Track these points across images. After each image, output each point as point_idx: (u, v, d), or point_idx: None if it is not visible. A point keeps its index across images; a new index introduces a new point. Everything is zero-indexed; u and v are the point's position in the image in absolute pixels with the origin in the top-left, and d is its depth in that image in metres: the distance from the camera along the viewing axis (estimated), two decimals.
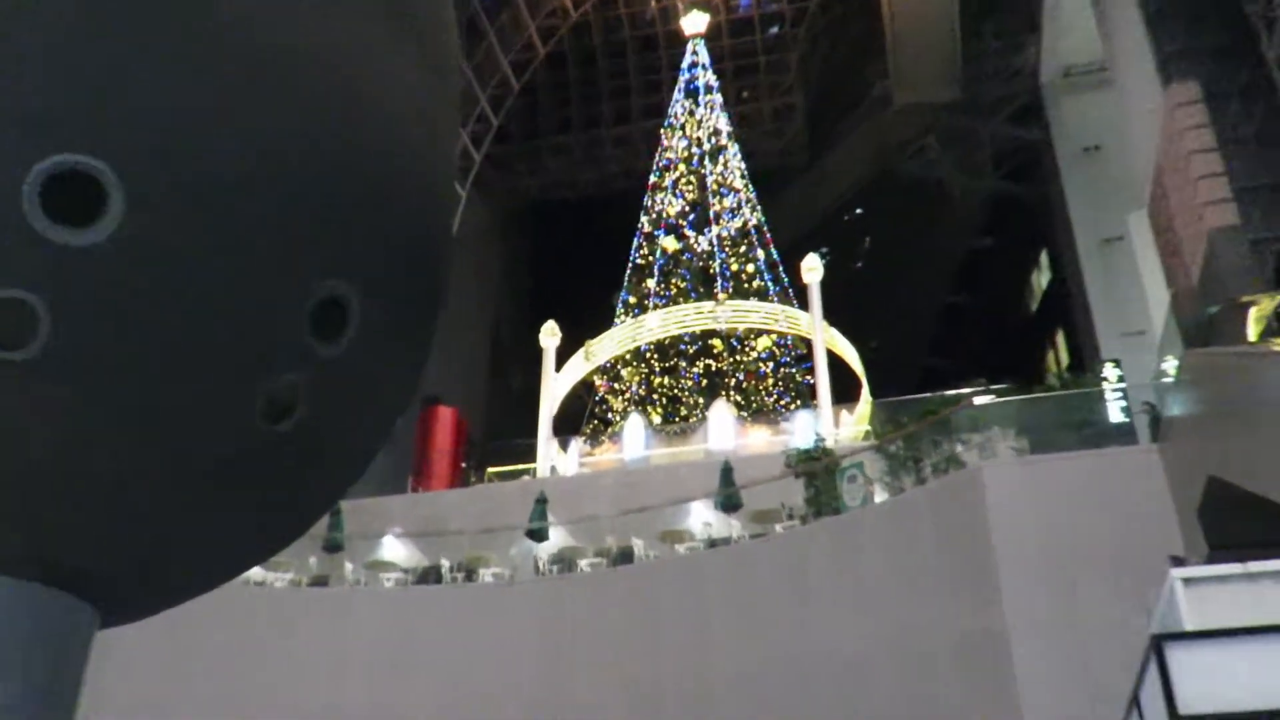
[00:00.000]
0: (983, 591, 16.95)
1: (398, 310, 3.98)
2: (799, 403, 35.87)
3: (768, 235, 40.74)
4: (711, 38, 49.09)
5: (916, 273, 54.08)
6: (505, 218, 56.27)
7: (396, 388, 4.21)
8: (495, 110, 45.99)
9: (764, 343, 37.74)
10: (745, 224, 40.63)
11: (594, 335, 38.03)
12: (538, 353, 36.54)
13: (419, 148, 4.00)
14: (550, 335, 36.22)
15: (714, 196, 41.02)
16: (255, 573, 22.32)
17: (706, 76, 44.95)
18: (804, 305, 35.77)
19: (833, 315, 35.87)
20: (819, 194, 54.28)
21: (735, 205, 41.26)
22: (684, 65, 45.78)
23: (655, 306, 38.20)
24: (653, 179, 42.97)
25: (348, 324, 3.74)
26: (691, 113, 43.91)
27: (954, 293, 54.16)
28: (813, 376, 33.49)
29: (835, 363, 34.94)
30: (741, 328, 37.08)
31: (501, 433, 44.56)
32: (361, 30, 3.77)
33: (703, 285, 38.92)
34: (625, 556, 22.92)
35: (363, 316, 3.78)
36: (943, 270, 53.75)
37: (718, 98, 44.75)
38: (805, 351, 35.93)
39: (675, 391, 37.25)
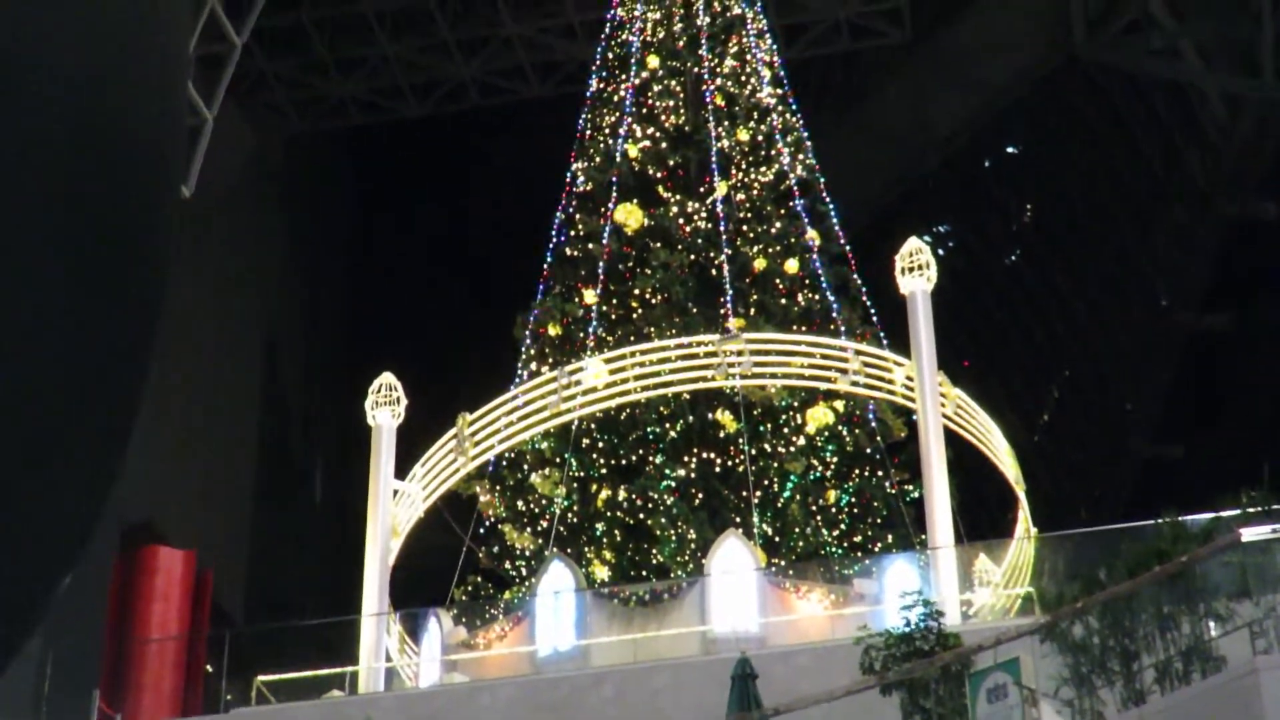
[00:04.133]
0: None
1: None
2: (890, 540, 30.98)
3: (827, 199, 34.25)
4: None
5: (1127, 273, 46.13)
6: (296, 159, 46.70)
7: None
8: None
9: (819, 416, 31.57)
10: (784, 174, 34.56)
11: (474, 400, 31.69)
12: (358, 435, 31.91)
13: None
14: (384, 401, 30.24)
15: (719, 122, 34.39)
16: None
17: None
18: (900, 339, 30.63)
19: (959, 360, 34.51)
20: (930, 114, 46.30)
21: (762, 136, 35.00)
22: None
23: (599, 342, 32.27)
24: (593, 83, 35.97)
25: None
26: None
27: (1202, 313, 46.10)
28: (918, 487, 29.19)
29: (967, 458, 30.92)
30: (773, 385, 30.96)
31: (285, 601, 38.19)
32: None
33: (698, 299, 32.71)
34: None
35: None
36: (1181, 270, 45.46)
37: None
38: (903, 435, 31.32)
39: (641, 516, 30.68)
